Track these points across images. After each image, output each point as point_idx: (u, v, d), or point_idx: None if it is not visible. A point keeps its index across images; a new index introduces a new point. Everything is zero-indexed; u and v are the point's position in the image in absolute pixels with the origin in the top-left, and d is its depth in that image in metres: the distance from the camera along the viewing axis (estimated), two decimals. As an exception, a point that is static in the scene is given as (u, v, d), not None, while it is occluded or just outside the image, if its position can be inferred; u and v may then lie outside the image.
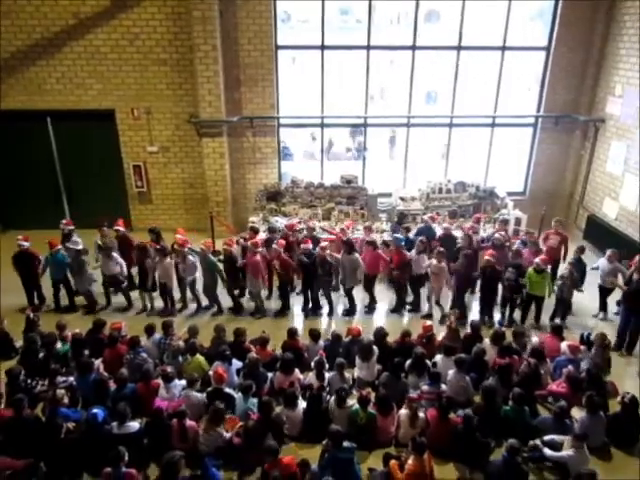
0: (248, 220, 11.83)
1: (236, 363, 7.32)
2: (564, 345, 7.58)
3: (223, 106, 12.01)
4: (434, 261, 9.11)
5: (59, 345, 7.78)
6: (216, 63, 11.62)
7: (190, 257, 9.39)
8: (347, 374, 7.25)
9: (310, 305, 9.62)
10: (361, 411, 6.45)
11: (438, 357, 7.50)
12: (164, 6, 11.62)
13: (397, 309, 9.67)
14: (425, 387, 6.94)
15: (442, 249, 9.15)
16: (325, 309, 9.65)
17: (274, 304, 9.88)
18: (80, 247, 9.61)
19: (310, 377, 7.17)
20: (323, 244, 9.38)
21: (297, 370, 7.21)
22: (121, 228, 10.09)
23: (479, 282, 9.33)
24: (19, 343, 8.32)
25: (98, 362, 7.45)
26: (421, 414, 6.46)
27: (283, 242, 9.54)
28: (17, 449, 5.95)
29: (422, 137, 13.70)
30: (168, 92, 12.27)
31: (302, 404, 6.70)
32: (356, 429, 6.41)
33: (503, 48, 12.29)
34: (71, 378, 7.10)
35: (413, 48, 12.23)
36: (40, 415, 6.53)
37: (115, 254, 9.53)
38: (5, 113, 12.29)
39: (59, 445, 5.99)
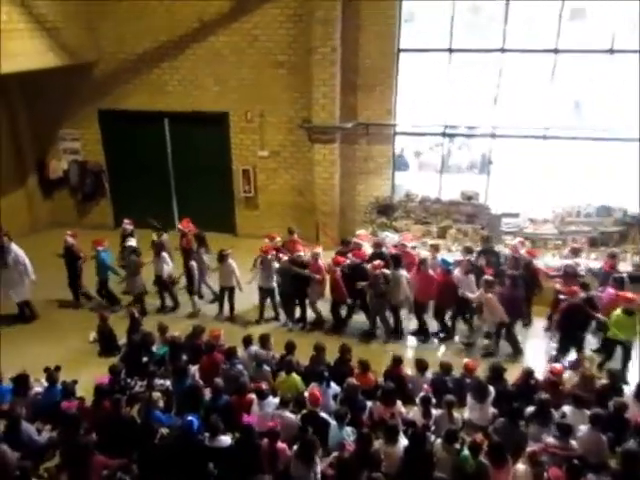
0: (355, 234, 11.83)
1: (334, 387, 7.27)
2: None
3: (337, 111, 12.17)
4: (482, 290, 8.75)
5: (156, 347, 8.27)
6: (333, 65, 11.82)
7: (276, 264, 9.70)
8: (456, 414, 6.91)
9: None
10: (471, 458, 6.08)
11: (567, 408, 6.90)
12: (286, 8, 12.07)
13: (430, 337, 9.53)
14: (551, 440, 6.39)
15: (490, 278, 8.73)
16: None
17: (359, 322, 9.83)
18: (132, 245, 10.29)
19: (414, 413, 6.93)
20: (375, 262, 9.19)
21: (399, 402, 7.01)
22: (182, 228, 10.68)
23: (556, 317, 8.57)
24: (122, 341, 8.98)
25: (194, 369, 7.77)
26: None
27: (341, 259, 9.56)
28: (112, 447, 6.35)
29: (560, 151, 12.88)
30: (283, 95, 12.69)
31: (403, 441, 6.48)
32: (463, 479, 6.05)
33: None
34: (168, 382, 7.48)
35: (555, 51, 11.56)
36: (136, 416, 6.93)
37: (165, 254, 10.09)
38: (126, 113, 13.48)
39: (152, 449, 6.30)
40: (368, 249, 10.36)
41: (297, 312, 10.10)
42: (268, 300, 10.09)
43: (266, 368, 7.77)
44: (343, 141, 12.71)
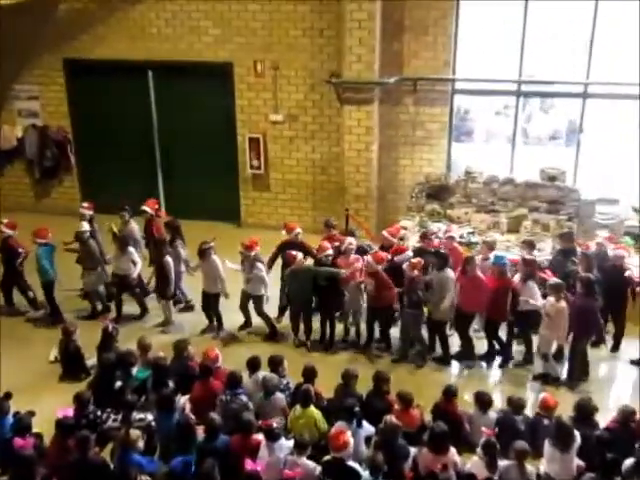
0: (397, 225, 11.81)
1: (366, 427, 7.29)
2: None
3: (377, 62, 12.16)
4: (551, 299, 8.68)
5: (135, 370, 8.38)
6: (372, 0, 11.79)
7: (259, 265, 9.81)
8: (530, 467, 6.88)
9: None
10: (548, 526, 6.05)
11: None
12: None
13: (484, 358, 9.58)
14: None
15: (558, 281, 8.69)
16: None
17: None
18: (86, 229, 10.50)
19: (472, 463, 6.92)
20: (414, 260, 9.20)
21: (453, 449, 7.00)
22: (149, 210, 10.93)
23: None
24: (91, 361, 9.12)
25: (184, 399, 7.85)
26: None
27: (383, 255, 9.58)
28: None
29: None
30: (304, 41, 12.73)
31: (458, 501, 6.48)
32: None
33: None
34: (150, 416, 7.58)
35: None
36: (108, 460, 7.04)
37: (132, 249, 10.30)
38: (99, 63, 13.67)
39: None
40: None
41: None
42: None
43: (279, 396, 7.83)
44: (383, 102, 12.70)
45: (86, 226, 10.67)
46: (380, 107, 12.67)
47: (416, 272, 9.13)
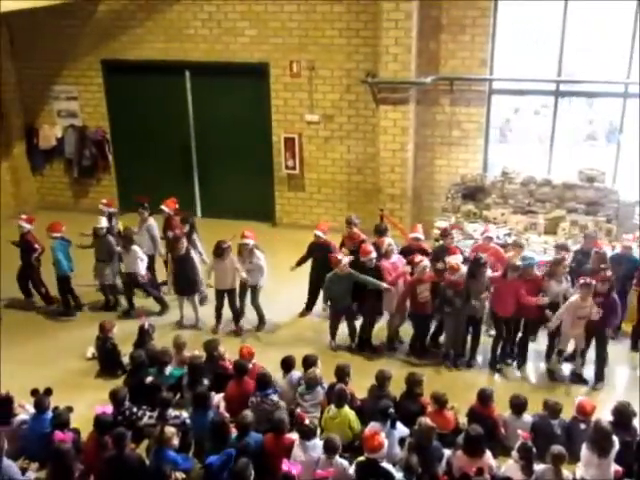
0: (433, 225, 11.77)
1: (400, 429, 7.29)
2: None
3: (413, 62, 12.13)
4: (576, 296, 8.64)
5: (169, 369, 8.50)
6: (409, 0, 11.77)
7: (258, 253, 9.97)
8: (566, 472, 6.82)
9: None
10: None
11: None
12: None
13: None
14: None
15: (588, 280, 8.57)
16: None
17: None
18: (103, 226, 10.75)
19: (508, 467, 6.88)
20: (455, 260, 9.19)
21: (488, 452, 6.96)
22: (167, 209, 11.14)
23: None
24: (127, 357, 9.27)
25: (219, 398, 7.95)
26: None
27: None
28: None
29: None
30: (340, 41, 12.75)
31: (493, 504, 6.45)
32: None
33: None
34: (185, 414, 7.68)
35: None
36: (144, 455, 7.15)
37: (136, 247, 10.49)
38: (137, 64, 13.89)
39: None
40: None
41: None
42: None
43: (320, 390, 7.91)
44: (420, 102, 12.68)
45: (104, 222, 10.91)
46: (416, 107, 12.64)
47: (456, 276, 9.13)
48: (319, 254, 10.23)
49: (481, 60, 12.31)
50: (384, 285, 9.38)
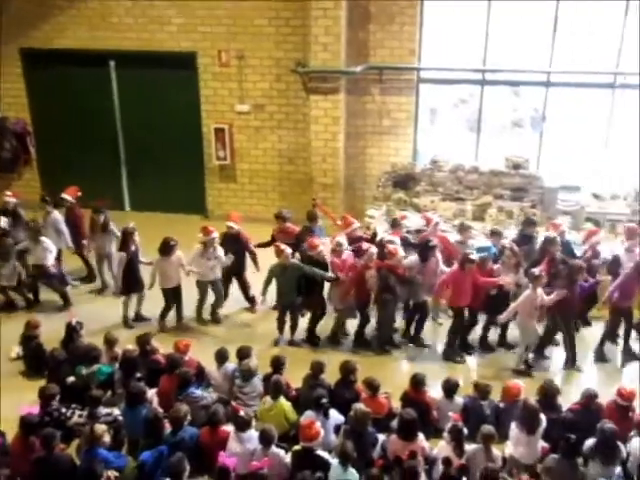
0: (365, 213, 11.89)
1: (335, 417, 7.36)
2: None
3: (343, 51, 12.18)
4: (529, 290, 8.83)
5: (97, 366, 8.32)
6: (338, -11, 11.82)
7: (220, 248, 9.96)
8: (495, 450, 7.02)
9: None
10: (514, 508, 6.20)
11: (636, 441, 7.01)
12: None
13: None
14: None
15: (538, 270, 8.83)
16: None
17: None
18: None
19: (440, 448, 7.03)
20: (392, 245, 9.19)
21: (421, 435, 7.10)
22: (69, 197, 11.03)
23: None
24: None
25: (152, 393, 7.83)
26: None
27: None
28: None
29: (636, 104, 12.91)
30: (269, 29, 12.71)
31: (427, 486, 6.58)
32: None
33: None
34: (116, 411, 7.56)
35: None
36: (75, 456, 7.01)
37: (44, 238, 10.33)
38: (59, 53, 13.49)
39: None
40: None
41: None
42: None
43: (257, 381, 7.91)
44: (350, 91, 12.75)
45: (2, 222, 10.72)
46: (346, 97, 12.70)
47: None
48: (231, 246, 10.15)
49: (410, 50, 12.48)
50: (329, 275, 9.41)
